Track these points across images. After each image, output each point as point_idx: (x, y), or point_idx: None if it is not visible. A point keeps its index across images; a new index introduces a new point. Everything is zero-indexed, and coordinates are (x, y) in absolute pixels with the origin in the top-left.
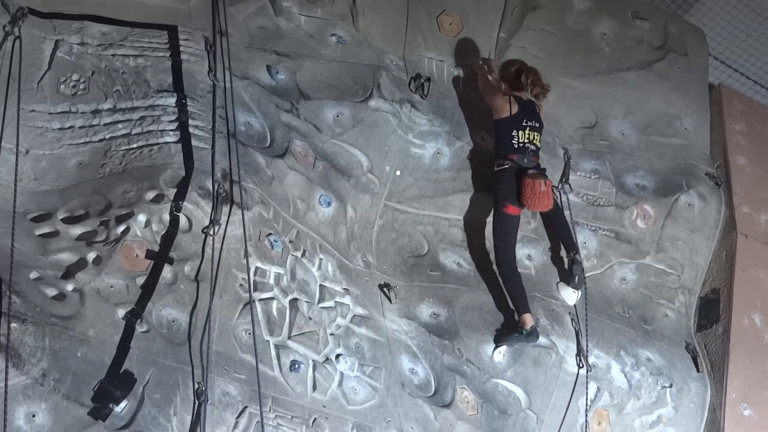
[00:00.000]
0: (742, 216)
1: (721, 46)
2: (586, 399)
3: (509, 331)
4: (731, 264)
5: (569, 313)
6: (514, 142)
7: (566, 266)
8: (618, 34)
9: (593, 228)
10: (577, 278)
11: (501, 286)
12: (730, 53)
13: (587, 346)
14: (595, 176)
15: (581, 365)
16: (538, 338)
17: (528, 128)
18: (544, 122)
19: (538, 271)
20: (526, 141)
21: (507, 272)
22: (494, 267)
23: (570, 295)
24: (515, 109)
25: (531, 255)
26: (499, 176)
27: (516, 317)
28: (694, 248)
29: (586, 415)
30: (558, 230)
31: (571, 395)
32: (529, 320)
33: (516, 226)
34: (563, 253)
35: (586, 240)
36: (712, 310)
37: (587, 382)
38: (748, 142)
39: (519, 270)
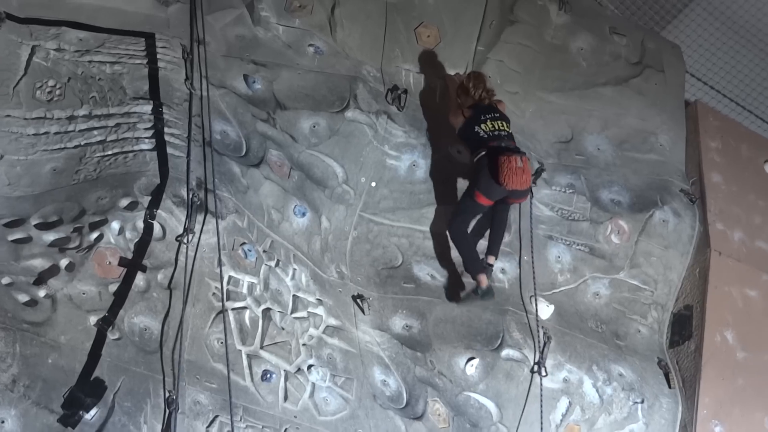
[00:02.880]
0: (716, 233)
1: (698, 63)
2: (540, 404)
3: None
4: (704, 281)
5: (542, 327)
6: (482, 135)
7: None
8: (595, 49)
9: (567, 242)
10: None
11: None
12: (706, 70)
13: (543, 345)
14: (570, 191)
15: (534, 370)
16: (493, 296)
17: (489, 119)
18: (524, 138)
19: (511, 285)
20: (493, 129)
21: (459, 237)
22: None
23: (543, 310)
24: (468, 113)
25: (505, 268)
26: (478, 165)
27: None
28: (667, 264)
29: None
30: (494, 226)
31: (538, 405)
32: (483, 280)
33: (480, 212)
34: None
35: (560, 254)
36: (684, 326)
37: (541, 386)
38: (723, 159)
39: (495, 284)
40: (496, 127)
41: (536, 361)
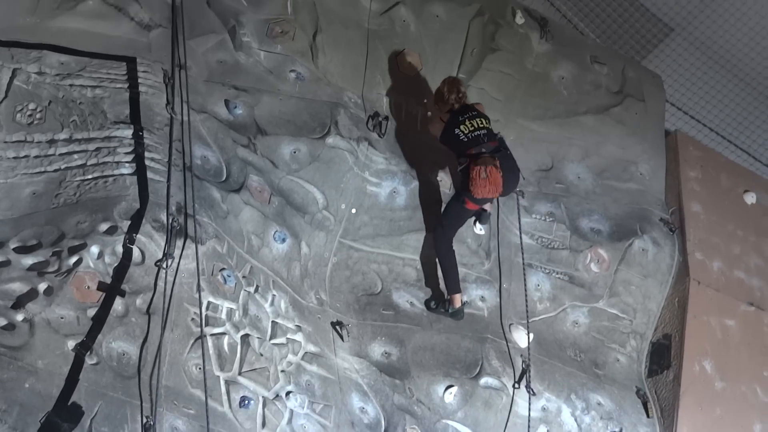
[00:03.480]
0: (696, 262)
1: (678, 92)
2: (528, 423)
3: (438, 302)
4: (683, 310)
5: (521, 355)
6: (461, 138)
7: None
8: (576, 77)
9: (547, 271)
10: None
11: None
12: (687, 100)
13: (522, 372)
14: (550, 219)
15: (517, 386)
16: (463, 317)
17: (467, 119)
18: None
19: (491, 313)
20: (472, 129)
21: (444, 250)
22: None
23: (522, 337)
24: (446, 118)
25: (484, 296)
26: (462, 174)
27: (446, 296)
28: (646, 293)
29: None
30: None
31: None
32: (457, 300)
33: (468, 217)
34: None
35: (539, 282)
36: (663, 355)
37: (530, 404)
38: (702, 189)
39: (472, 311)
40: (475, 126)
41: (517, 380)
